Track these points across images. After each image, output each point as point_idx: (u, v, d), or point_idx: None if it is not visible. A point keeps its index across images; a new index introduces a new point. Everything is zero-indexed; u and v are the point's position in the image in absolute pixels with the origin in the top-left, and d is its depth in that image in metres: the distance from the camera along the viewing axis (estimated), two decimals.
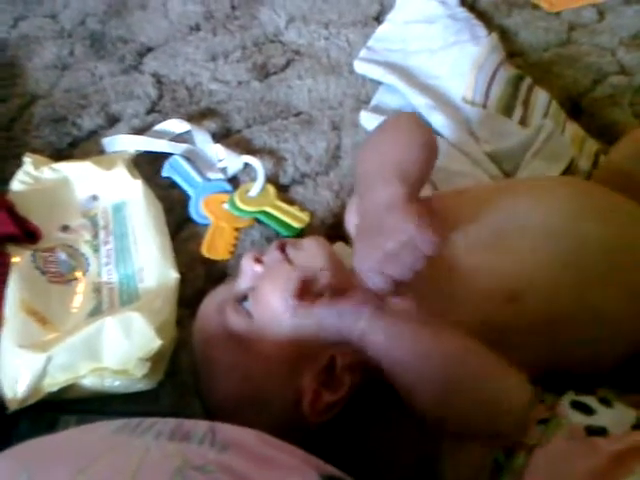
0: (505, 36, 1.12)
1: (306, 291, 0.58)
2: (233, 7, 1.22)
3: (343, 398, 0.56)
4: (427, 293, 0.60)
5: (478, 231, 0.63)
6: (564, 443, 0.51)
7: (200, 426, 0.48)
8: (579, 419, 0.53)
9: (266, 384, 0.57)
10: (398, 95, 1.01)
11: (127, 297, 0.74)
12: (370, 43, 1.11)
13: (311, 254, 0.63)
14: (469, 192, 0.75)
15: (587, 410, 0.54)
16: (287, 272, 0.61)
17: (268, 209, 0.87)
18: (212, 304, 0.64)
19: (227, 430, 0.48)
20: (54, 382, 0.66)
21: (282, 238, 0.81)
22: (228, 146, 0.95)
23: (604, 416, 0.53)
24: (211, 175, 0.92)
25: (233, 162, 0.93)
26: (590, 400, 0.55)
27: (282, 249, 0.64)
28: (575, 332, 0.60)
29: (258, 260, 0.64)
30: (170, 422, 0.48)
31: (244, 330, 0.59)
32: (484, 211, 0.65)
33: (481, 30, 1.08)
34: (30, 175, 0.86)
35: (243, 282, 0.64)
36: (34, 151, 0.92)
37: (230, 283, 0.67)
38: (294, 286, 0.58)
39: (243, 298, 0.62)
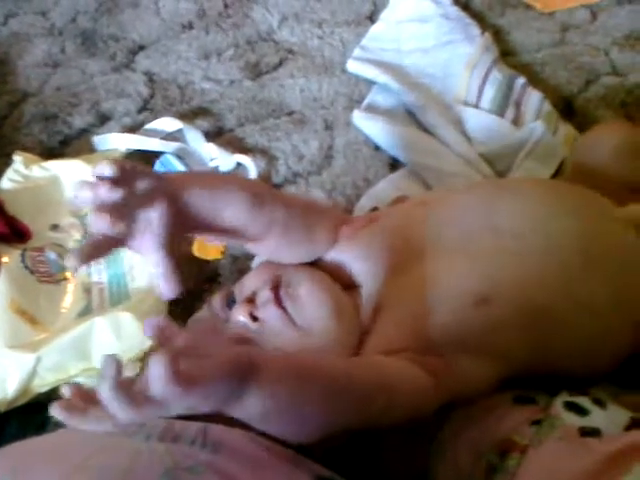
0: (498, 36, 1.12)
1: None
2: (226, 5, 1.21)
3: None
4: (402, 297, 0.60)
5: (449, 234, 0.63)
6: (557, 444, 0.51)
7: (191, 427, 0.47)
8: (573, 420, 0.53)
9: None
10: (391, 94, 1.01)
11: (117, 297, 0.74)
12: (363, 42, 1.10)
13: (313, 311, 0.59)
14: (443, 193, 0.76)
15: (581, 411, 0.54)
16: (293, 339, 0.57)
17: None
18: None
19: (218, 431, 0.48)
20: (44, 383, 0.66)
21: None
22: (220, 145, 0.94)
23: (598, 417, 0.53)
24: None
25: (225, 161, 0.93)
26: (584, 401, 0.55)
27: (277, 299, 0.59)
28: (559, 329, 0.60)
29: (253, 317, 0.58)
30: (161, 423, 0.48)
31: None
32: (455, 214, 0.65)
33: (474, 29, 1.08)
34: (20, 173, 0.85)
35: (235, 329, 0.59)
36: (24, 149, 0.92)
37: (212, 310, 0.63)
38: None
39: None
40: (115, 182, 0.48)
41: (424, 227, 0.64)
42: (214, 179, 0.62)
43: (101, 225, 0.47)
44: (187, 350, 0.39)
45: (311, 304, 0.59)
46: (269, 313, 0.58)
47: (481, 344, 0.57)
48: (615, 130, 0.83)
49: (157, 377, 0.35)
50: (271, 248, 0.63)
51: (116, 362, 0.36)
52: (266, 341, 0.57)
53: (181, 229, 0.54)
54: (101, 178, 0.48)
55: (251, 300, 0.59)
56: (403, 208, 0.72)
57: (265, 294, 0.59)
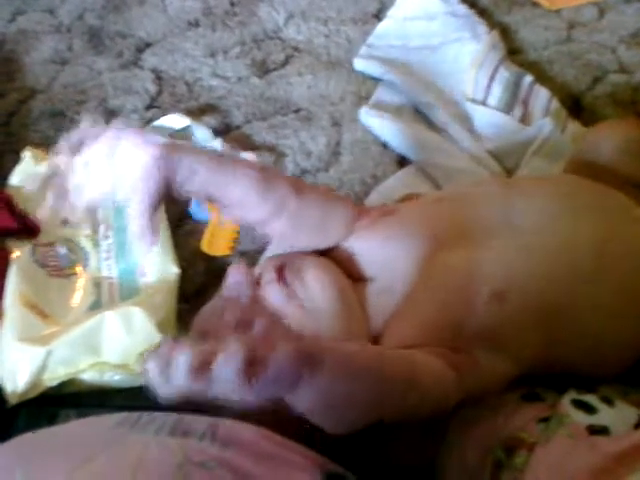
0: (505, 34, 1.12)
1: None
2: (232, 3, 1.21)
3: None
4: (420, 291, 0.60)
5: (467, 230, 0.63)
6: (565, 442, 0.51)
7: (201, 422, 0.47)
8: (581, 418, 0.53)
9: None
10: (398, 92, 1.01)
11: (127, 292, 0.74)
12: (370, 40, 1.10)
13: (317, 292, 0.60)
14: (459, 189, 0.75)
15: (589, 409, 0.54)
16: (294, 314, 0.58)
17: None
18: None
19: (228, 426, 0.48)
20: (54, 376, 0.66)
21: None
22: (228, 142, 0.95)
23: (606, 415, 0.53)
24: None
25: None
26: (592, 399, 0.55)
27: (280, 278, 0.60)
28: (571, 328, 0.60)
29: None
30: (171, 417, 0.47)
31: None
32: (473, 210, 0.65)
33: (482, 27, 1.08)
34: (29, 170, 0.85)
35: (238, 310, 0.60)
36: (33, 146, 0.92)
37: (218, 299, 0.63)
38: None
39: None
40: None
41: (441, 222, 0.65)
42: (223, 157, 0.64)
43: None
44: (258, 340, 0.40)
45: (315, 287, 0.60)
46: (272, 291, 0.59)
47: (497, 340, 0.57)
48: (621, 126, 0.83)
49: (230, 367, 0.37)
50: (281, 230, 0.64)
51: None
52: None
53: (168, 186, 0.55)
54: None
55: (257, 283, 0.61)
56: (419, 203, 0.72)
57: (270, 275, 0.60)
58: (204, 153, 0.60)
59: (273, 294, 0.59)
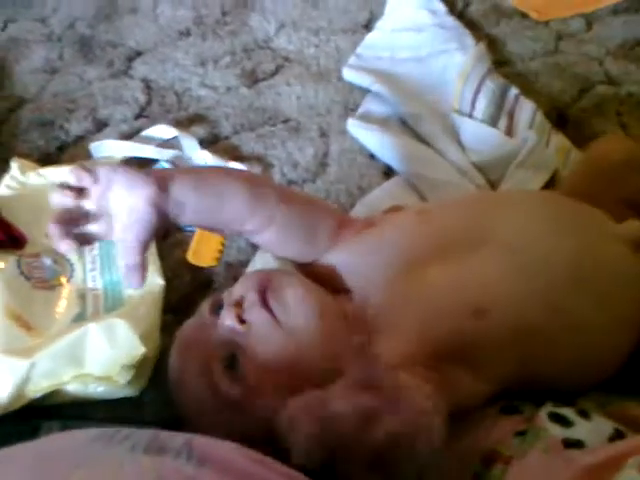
0: (493, 45, 1.13)
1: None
2: (224, 13, 1.22)
3: None
4: (400, 305, 0.60)
5: (447, 244, 0.63)
6: (541, 456, 0.51)
7: (176, 439, 0.47)
8: (557, 431, 0.53)
9: (262, 436, 0.53)
10: (385, 103, 1.01)
11: (112, 303, 0.74)
12: (359, 50, 1.11)
13: (298, 314, 0.60)
14: (441, 203, 0.76)
15: (565, 422, 0.54)
16: (279, 340, 0.58)
17: None
18: (193, 357, 0.60)
19: (205, 444, 0.47)
20: (37, 388, 0.66)
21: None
22: (216, 152, 0.95)
23: (581, 428, 0.54)
24: None
25: None
26: (568, 412, 0.56)
27: (264, 302, 0.60)
28: (549, 345, 0.60)
29: (240, 319, 0.59)
30: (146, 434, 0.47)
31: (239, 397, 0.57)
32: (454, 224, 0.65)
33: (469, 39, 1.09)
34: (17, 180, 0.86)
35: (222, 333, 0.60)
36: (21, 155, 0.92)
37: (200, 318, 0.63)
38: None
39: (230, 359, 0.58)
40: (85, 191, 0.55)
41: (422, 237, 0.65)
42: (207, 174, 0.65)
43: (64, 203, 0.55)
44: None
45: (296, 306, 0.60)
46: (256, 315, 0.59)
47: (474, 357, 0.57)
48: (617, 145, 0.83)
49: None
50: (270, 240, 0.66)
51: None
52: (253, 343, 0.58)
53: (161, 224, 0.57)
54: (67, 186, 0.55)
55: (239, 304, 0.60)
56: (401, 216, 0.73)
57: (252, 297, 0.60)
58: (191, 177, 0.61)
59: (257, 317, 0.59)
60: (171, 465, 0.43)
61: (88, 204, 0.55)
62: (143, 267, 0.57)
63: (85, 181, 0.55)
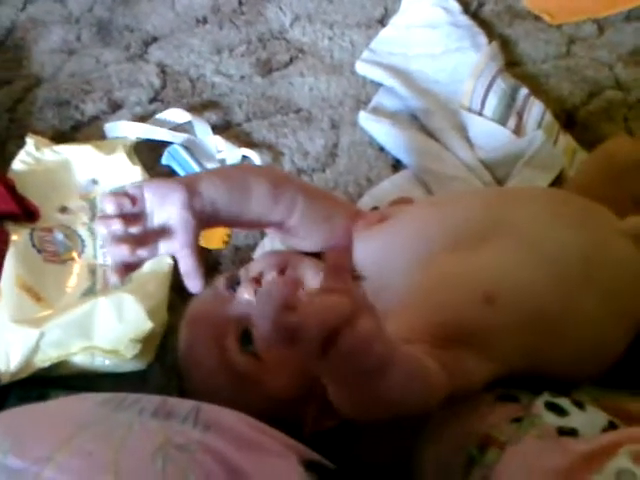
0: (505, 45, 1.14)
1: None
2: (240, 2, 1.23)
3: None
4: (415, 292, 0.61)
5: (459, 232, 0.64)
6: (535, 442, 0.52)
7: (184, 405, 0.49)
8: (552, 420, 0.54)
9: (268, 413, 0.54)
10: (397, 98, 1.03)
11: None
12: (373, 45, 1.12)
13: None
14: (454, 195, 0.77)
15: (560, 411, 0.55)
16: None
17: None
18: (206, 332, 0.62)
19: (211, 410, 0.49)
20: (46, 358, 0.67)
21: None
22: (227, 138, 0.96)
23: (576, 418, 0.55)
24: (209, 165, 0.94)
25: (231, 154, 0.95)
26: (564, 402, 0.57)
27: None
28: (554, 335, 0.61)
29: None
30: (154, 399, 0.49)
31: (252, 372, 0.58)
32: (467, 215, 0.66)
33: (482, 38, 1.09)
34: (32, 156, 0.87)
35: (238, 307, 0.62)
36: (37, 133, 0.94)
37: (214, 293, 0.65)
38: None
39: (245, 333, 0.60)
40: (127, 214, 0.55)
41: (436, 226, 0.66)
42: (230, 173, 0.66)
43: (121, 255, 0.54)
44: None
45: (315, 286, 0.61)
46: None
47: (484, 341, 0.58)
48: (626, 145, 0.84)
49: None
50: (292, 230, 0.67)
51: None
52: None
53: (200, 225, 0.58)
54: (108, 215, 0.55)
55: (257, 280, 0.62)
56: (415, 208, 0.74)
57: (272, 274, 0.62)
58: (216, 176, 0.62)
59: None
60: (178, 429, 0.45)
61: (133, 229, 0.56)
62: (199, 270, 0.57)
63: (126, 205, 0.55)
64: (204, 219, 0.58)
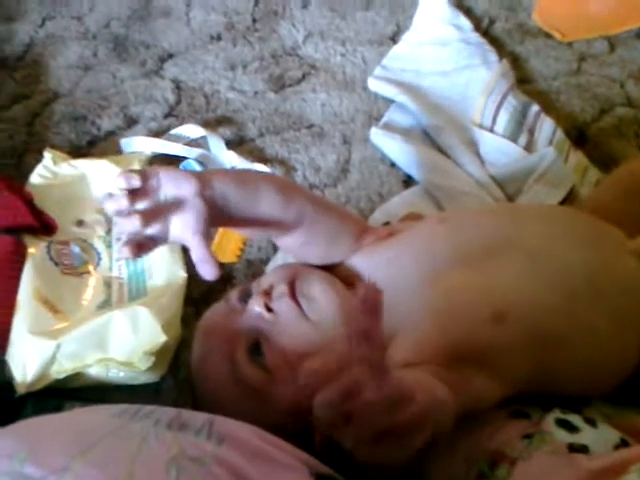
0: (516, 63, 1.15)
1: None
2: (254, 20, 1.25)
3: None
4: (422, 310, 0.61)
5: (470, 251, 0.64)
6: (546, 458, 0.52)
7: (198, 417, 0.49)
8: (562, 436, 0.54)
9: (279, 425, 0.54)
10: (409, 114, 1.04)
11: (136, 292, 0.77)
12: (384, 62, 1.13)
13: (325, 307, 0.63)
14: (464, 211, 0.77)
15: (571, 428, 0.55)
16: (303, 331, 0.61)
17: None
18: (217, 344, 0.63)
19: (224, 423, 0.49)
20: (62, 369, 0.68)
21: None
22: (241, 154, 0.98)
23: (588, 435, 0.55)
24: None
25: None
26: (575, 418, 0.57)
27: (292, 294, 0.63)
28: (564, 352, 0.61)
29: (268, 307, 0.62)
30: (169, 411, 0.49)
31: (261, 384, 0.59)
32: (477, 232, 0.67)
33: (493, 55, 1.11)
34: (49, 170, 0.89)
35: (249, 320, 0.63)
36: (54, 147, 0.96)
37: (227, 305, 0.66)
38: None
39: (254, 346, 0.61)
40: (138, 192, 0.55)
41: (444, 244, 0.66)
42: (242, 173, 0.67)
43: (133, 226, 0.54)
44: None
45: (323, 301, 0.63)
46: (283, 305, 0.62)
47: (493, 361, 0.58)
48: None
49: None
50: (299, 241, 0.68)
51: None
52: (278, 331, 0.61)
53: (212, 216, 0.58)
54: (125, 189, 0.54)
55: (268, 293, 0.63)
56: (424, 224, 0.74)
57: (281, 288, 0.63)
58: (229, 174, 0.65)
59: (285, 308, 0.62)
60: (193, 441, 0.46)
61: (142, 205, 0.56)
62: (211, 258, 0.57)
63: (135, 182, 0.55)
64: (215, 212, 0.59)
